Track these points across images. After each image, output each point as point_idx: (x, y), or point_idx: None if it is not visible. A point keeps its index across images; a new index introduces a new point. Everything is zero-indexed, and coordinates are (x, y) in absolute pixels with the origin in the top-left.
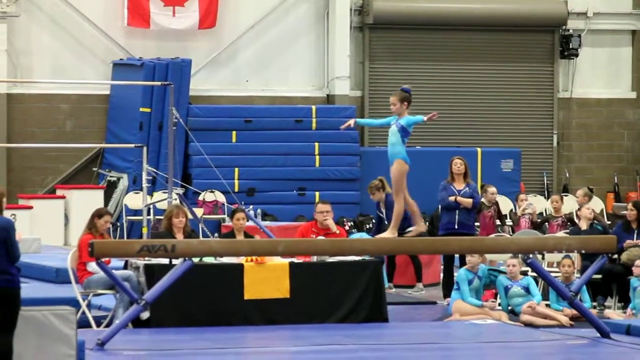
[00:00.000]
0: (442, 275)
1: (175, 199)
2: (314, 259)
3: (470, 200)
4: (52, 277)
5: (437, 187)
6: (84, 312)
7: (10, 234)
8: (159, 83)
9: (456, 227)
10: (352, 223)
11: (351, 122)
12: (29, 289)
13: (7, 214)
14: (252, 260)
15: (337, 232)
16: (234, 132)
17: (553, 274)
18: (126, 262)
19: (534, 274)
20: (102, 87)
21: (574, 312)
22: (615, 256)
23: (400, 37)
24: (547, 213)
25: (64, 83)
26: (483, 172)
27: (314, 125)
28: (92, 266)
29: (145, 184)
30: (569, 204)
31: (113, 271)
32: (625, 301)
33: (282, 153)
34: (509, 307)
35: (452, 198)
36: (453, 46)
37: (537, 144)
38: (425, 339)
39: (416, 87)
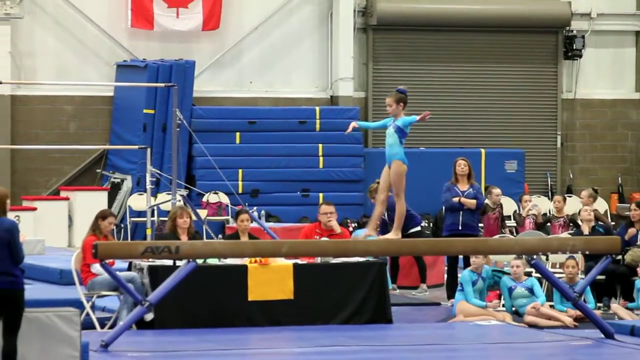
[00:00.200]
0: (446, 276)
1: (179, 201)
2: (318, 260)
3: (474, 201)
4: (56, 278)
5: (441, 188)
6: (88, 314)
7: (14, 235)
8: (163, 85)
9: (460, 228)
10: (356, 224)
11: (354, 124)
12: (32, 290)
13: (11, 215)
14: (256, 262)
15: (341, 233)
16: (237, 134)
17: (557, 275)
18: (130, 263)
19: (538, 275)
20: (106, 89)
21: (578, 313)
22: (619, 257)
23: (403, 38)
24: (550, 214)
25: (67, 85)
26: (487, 173)
27: (317, 126)
28: (96, 268)
29: (149, 186)
30: (573, 204)
31: (117, 273)
32: (629, 302)
33: (286, 154)
34: (513, 308)
35: (456, 199)
36: (457, 47)
37: (541, 144)
38: (429, 340)
39: (420, 88)
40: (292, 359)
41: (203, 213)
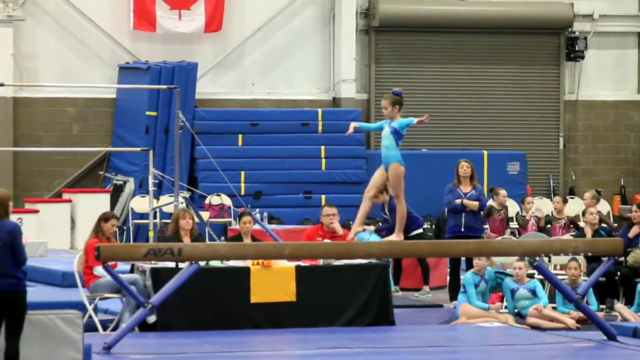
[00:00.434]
0: (448, 278)
1: (182, 203)
2: (321, 262)
3: (477, 202)
4: (59, 280)
5: (444, 189)
6: (90, 316)
7: (16, 237)
8: (165, 86)
9: (462, 229)
10: None
11: (355, 125)
12: (35, 292)
13: (13, 217)
14: (258, 264)
15: (344, 235)
16: (240, 136)
17: (559, 277)
18: (132, 265)
19: (541, 277)
20: (109, 91)
21: (581, 314)
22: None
23: (406, 39)
24: (551, 215)
25: (70, 87)
26: (489, 174)
27: (320, 128)
28: (99, 270)
29: (151, 188)
30: (574, 206)
31: (119, 275)
32: (631, 304)
33: (288, 156)
34: (516, 310)
35: (458, 201)
36: (459, 49)
37: (544, 146)
38: (432, 342)
39: (422, 90)
40: None
41: (205, 215)
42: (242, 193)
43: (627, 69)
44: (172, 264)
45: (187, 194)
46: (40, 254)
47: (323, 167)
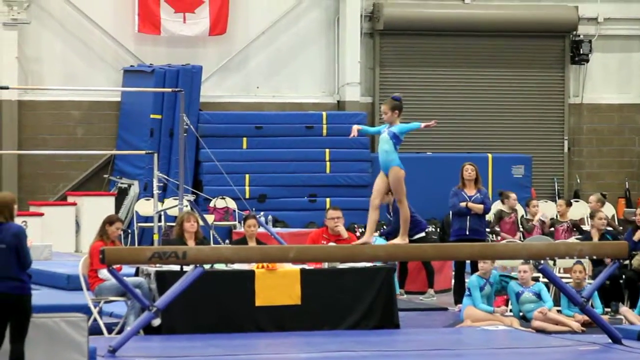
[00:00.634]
0: (453, 281)
1: (186, 206)
2: (325, 265)
3: (481, 206)
4: (64, 284)
5: (448, 193)
6: (95, 319)
7: (21, 240)
8: (170, 90)
9: (467, 233)
10: (363, 229)
11: (358, 127)
12: (40, 295)
13: (18, 220)
14: (263, 267)
15: (348, 238)
16: (244, 139)
17: (564, 280)
18: (137, 269)
19: (546, 280)
20: (113, 94)
21: (586, 318)
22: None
23: (410, 43)
24: (554, 218)
25: (74, 90)
26: (494, 178)
27: (324, 131)
28: (104, 273)
29: (156, 191)
30: (578, 209)
31: (124, 278)
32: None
33: (293, 159)
34: (520, 313)
35: (463, 204)
36: (463, 52)
37: (548, 149)
38: (437, 345)
39: (426, 93)
40: None
41: (210, 218)
42: (247, 196)
43: (632, 72)
44: (176, 267)
45: (191, 197)
46: (45, 257)
47: (328, 170)
